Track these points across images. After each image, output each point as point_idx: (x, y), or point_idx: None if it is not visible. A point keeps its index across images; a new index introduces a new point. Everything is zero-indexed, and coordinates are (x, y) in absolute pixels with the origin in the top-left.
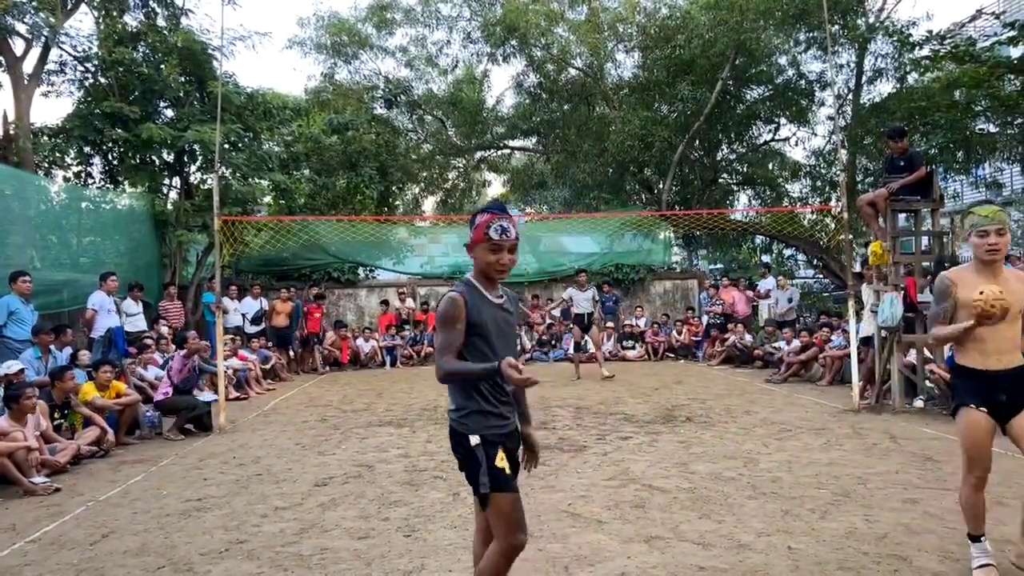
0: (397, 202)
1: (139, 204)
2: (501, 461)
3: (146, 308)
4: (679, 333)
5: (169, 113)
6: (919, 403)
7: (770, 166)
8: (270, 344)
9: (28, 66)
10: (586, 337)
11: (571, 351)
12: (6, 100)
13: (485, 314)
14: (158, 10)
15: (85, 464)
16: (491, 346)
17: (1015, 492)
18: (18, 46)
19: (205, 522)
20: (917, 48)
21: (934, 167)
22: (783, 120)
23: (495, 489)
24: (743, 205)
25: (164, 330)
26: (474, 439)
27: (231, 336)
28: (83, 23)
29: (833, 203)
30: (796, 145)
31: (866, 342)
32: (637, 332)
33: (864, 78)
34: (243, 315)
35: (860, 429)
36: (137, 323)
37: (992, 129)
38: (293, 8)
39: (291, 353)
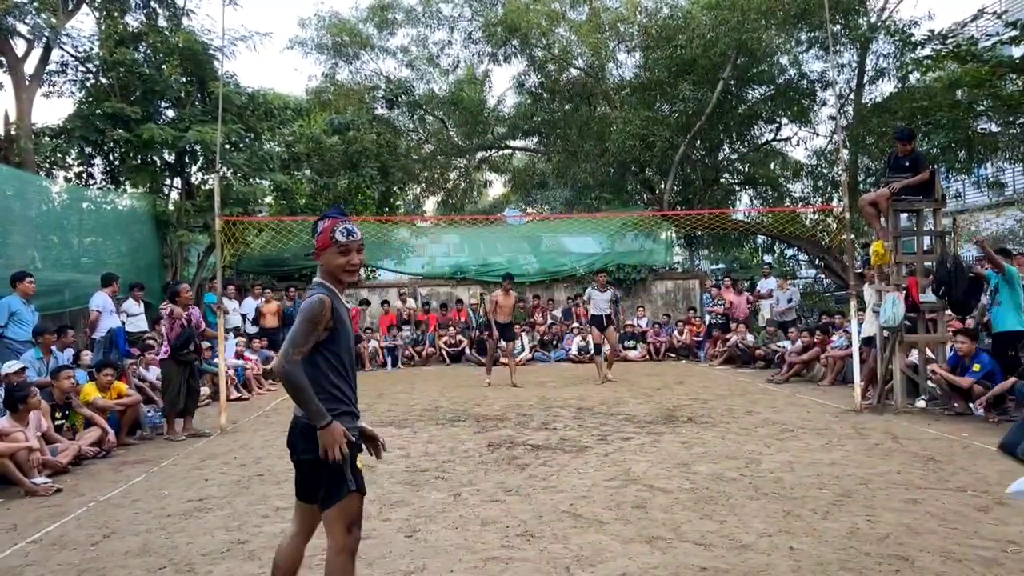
0: (398, 202)
1: (140, 204)
2: (360, 463)
3: (147, 308)
4: (680, 333)
5: (170, 113)
6: (921, 403)
7: (772, 166)
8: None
9: (29, 67)
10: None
11: (572, 351)
12: (7, 100)
13: (343, 314)
14: (159, 10)
15: (86, 465)
16: (347, 347)
17: None
18: (19, 47)
19: (206, 522)
20: (919, 47)
21: (936, 167)
22: (784, 120)
23: (356, 489)
24: (745, 205)
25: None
26: (317, 423)
27: (245, 339)
28: (84, 24)
29: (835, 203)
30: (798, 145)
31: (868, 342)
32: (639, 332)
33: (866, 78)
34: (243, 315)
35: (862, 429)
36: (138, 323)
37: (994, 129)
38: (294, 8)
39: None
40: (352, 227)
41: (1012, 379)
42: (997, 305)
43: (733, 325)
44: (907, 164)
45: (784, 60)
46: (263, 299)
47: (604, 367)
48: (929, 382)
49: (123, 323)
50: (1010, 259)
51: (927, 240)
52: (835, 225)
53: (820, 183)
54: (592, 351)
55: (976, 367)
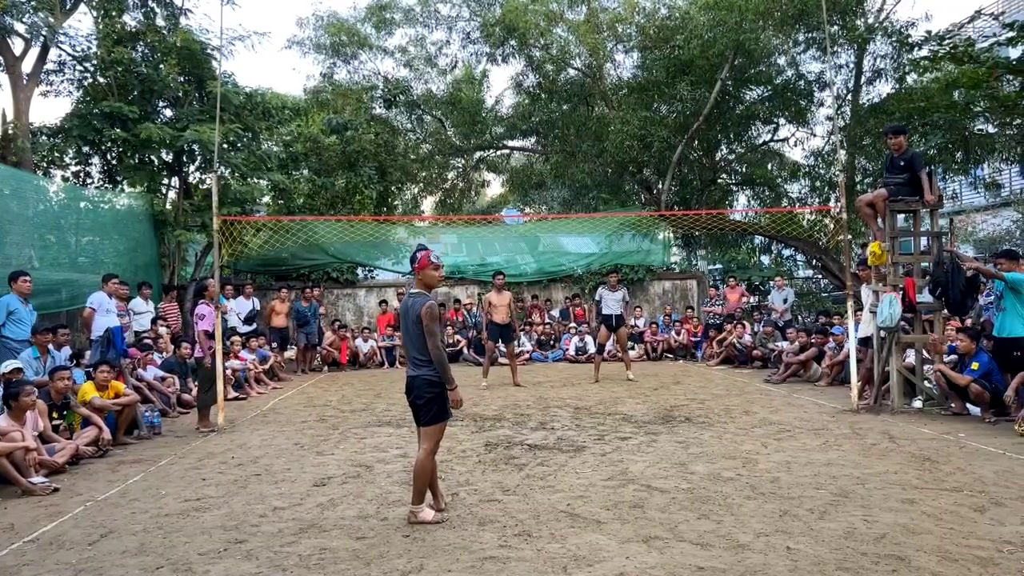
0: (396, 202)
1: (138, 204)
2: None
3: None
4: (678, 333)
5: (168, 113)
6: (918, 404)
7: (769, 166)
8: (273, 345)
9: (27, 66)
10: (612, 336)
11: (570, 351)
12: (5, 100)
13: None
14: (157, 10)
15: (84, 464)
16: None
17: (1014, 493)
18: (17, 46)
19: (204, 522)
20: (916, 49)
21: (933, 167)
22: (782, 120)
23: (448, 416)
24: (742, 205)
25: (163, 331)
26: (448, 386)
27: (242, 339)
28: (82, 23)
29: (832, 203)
30: (795, 145)
31: (865, 343)
32: (636, 332)
33: (863, 78)
34: (236, 315)
35: (859, 429)
36: (143, 322)
37: (991, 130)
38: (292, 8)
39: (306, 351)
40: (439, 255)
41: (1021, 376)
42: (1002, 311)
43: (728, 325)
44: (902, 164)
45: (782, 61)
46: (277, 298)
47: (628, 368)
48: (926, 382)
49: (122, 324)
50: (1017, 261)
51: (924, 241)
52: (832, 226)
53: (817, 184)
54: (595, 350)
55: (975, 365)
